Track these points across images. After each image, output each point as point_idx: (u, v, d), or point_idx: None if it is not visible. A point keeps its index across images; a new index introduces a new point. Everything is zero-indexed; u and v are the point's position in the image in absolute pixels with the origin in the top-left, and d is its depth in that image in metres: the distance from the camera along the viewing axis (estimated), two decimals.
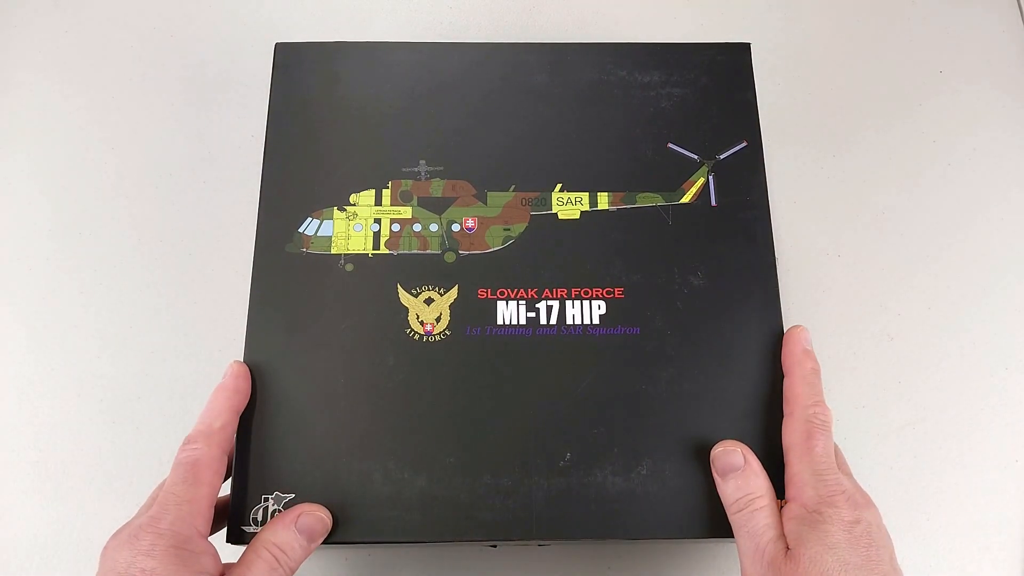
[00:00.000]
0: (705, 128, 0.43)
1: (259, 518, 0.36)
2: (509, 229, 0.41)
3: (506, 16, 0.59)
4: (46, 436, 0.47)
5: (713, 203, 0.42)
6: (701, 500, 0.37)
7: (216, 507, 0.35)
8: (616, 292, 0.40)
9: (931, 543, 0.46)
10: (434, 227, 0.41)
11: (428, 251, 0.41)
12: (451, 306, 0.40)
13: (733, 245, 0.41)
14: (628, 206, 0.42)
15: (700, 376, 0.39)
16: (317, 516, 0.35)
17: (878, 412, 0.48)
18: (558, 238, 0.41)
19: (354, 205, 0.41)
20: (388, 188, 0.42)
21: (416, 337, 0.39)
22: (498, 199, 0.42)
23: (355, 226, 0.41)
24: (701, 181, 0.42)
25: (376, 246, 0.41)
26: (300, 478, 0.37)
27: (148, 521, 0.32)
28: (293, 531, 0.35)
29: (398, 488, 0.37)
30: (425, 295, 0.40)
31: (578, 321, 0.39)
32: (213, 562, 0.33)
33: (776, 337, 0.39)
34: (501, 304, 0.40)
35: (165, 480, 0.34)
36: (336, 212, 0.41)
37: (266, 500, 0.36)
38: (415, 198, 0.42)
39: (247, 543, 0.35)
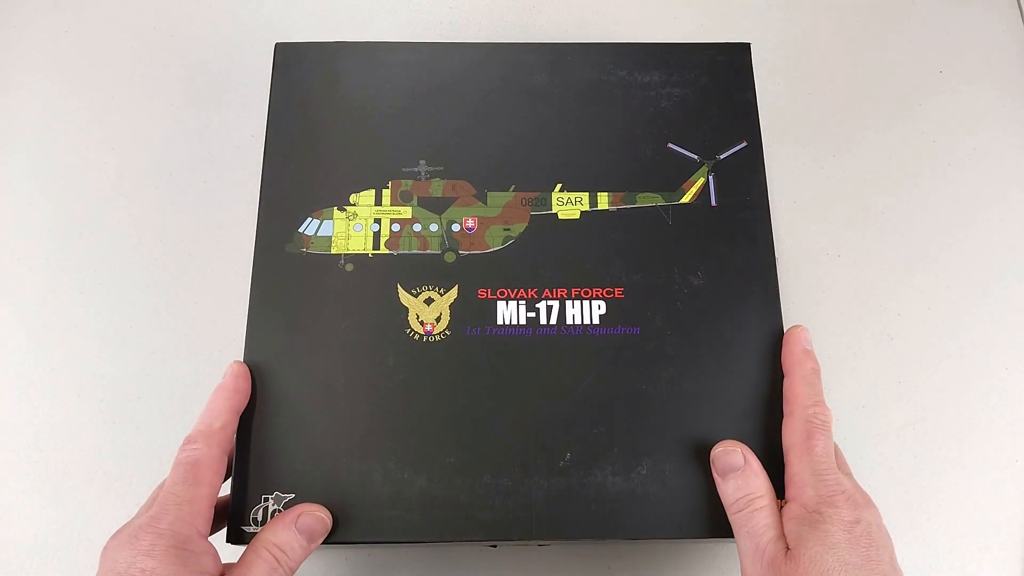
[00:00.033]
0: (705, 128, 0.43)
1: (259, 518, 0.36)
2: (509, 229, 0.41)
3: (506, 16, 0.59)
4: (46, 436, 0.47)
5: (713, 203, 0.42)
6: (701, 500, 0.37)
7: (216, 507, 0.35)
8: (616, 292, 0.40)
9: (931, 543, 0.46)
10: (434, 227, 0.41)
11: (428, 251, 0.41)
12: (451, 306, 0.40)
13: (733, 245, 0.41)
14: (628, 206, 0.42)
15: (700, 376, 0.39)
16: (317, 516, 0.35)
17: (878, 412, 0.48)
18: (558, 238, 0.41)
19: (354, 205, 0.41)
20: (388, 188, 0.42)
21: (416, 337, 0.39)
22: (498, 199, 0.42)
23: (355, 226, 0.41)
24: (701, 181, 0.42)
25: (376, 246, 0.41)
26: (300, 478, 0.37)
27: (148, 521, 0.32)
28: (293, 531, 0.35)
29: (398, 488, 0.37)
30: (425, 295, 0.40)
31: (578, 321, 0.39)
32: (213, 562, 0.33)
33: (776, 337, 0.39)
34: (501, 304, 0.40)
35: (165, 480, 0.34)
36: (336, 212, 0.41)
37: (266, 500, 0.36)
38: (415, 198, 0.42)
39: (247, 543, 0.35)
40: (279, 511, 0.36)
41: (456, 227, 0.41)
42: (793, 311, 0.48)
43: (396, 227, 0.41)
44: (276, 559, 0.34)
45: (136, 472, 0.46)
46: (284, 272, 0.40)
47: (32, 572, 0.45)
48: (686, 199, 0.42)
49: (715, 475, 0.36)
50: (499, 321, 0.39)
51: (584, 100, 0.44)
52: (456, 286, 0.40)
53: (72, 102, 0.56)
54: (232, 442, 0.37)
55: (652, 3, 0.59)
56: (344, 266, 0.40)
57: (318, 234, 0.41)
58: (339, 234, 0.41)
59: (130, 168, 0.54)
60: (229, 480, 0.37)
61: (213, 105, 0.55)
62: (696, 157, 0.42)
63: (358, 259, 0.40)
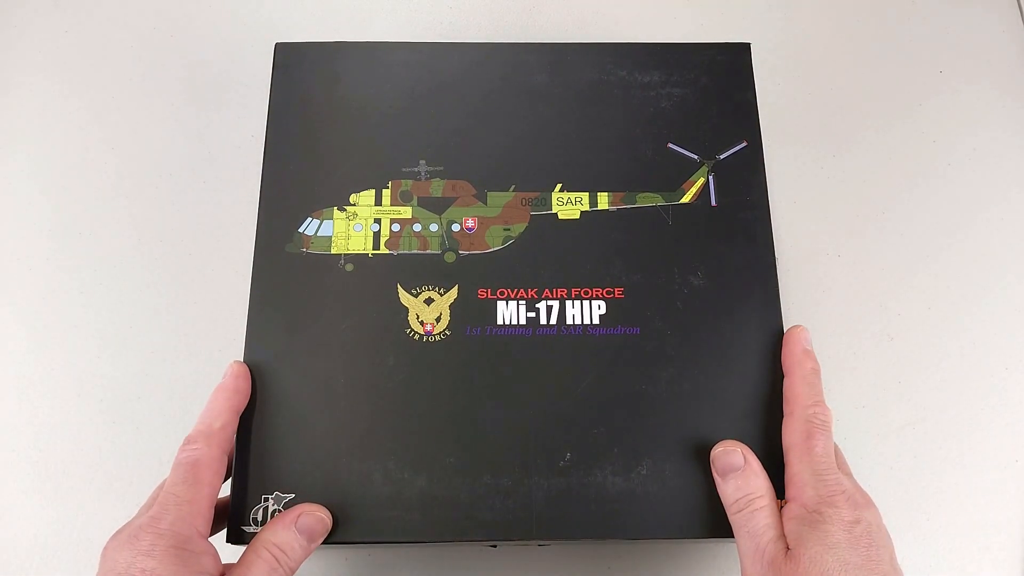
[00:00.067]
0: (705, 128, 0.43)
1: (259, 518, 0.36)
2: (509, 229, 0.41)
3: (506, 16, 0.59)
4: (46, 436, 0.47)
5: (713, 203, 0.42)
6: (701, 500, 0.37)
7: (216, 507, 0.35)
8: (616, 292, 0.40)
9: (931, 543, 0.46)
10: (434, 227, 0.41)
11: (428, 251, 0.41)
12: (451, 306, 0.40)
13: (733, 245, 0.41)
14: (628, 206, 0.42)
15: (700, 376, 0.39)
16: (317, 516, 0.35)
17: (878, 412, 0.48)
18: (558, 238, 0.41)
19: (354, 205, 0.41)
20: (388, 188, 0.42)
21: (416, 337, 0.39)
22: (498, 199, 0.42)
23: (355, 226, 0.41)
24: (701, 181, 0.42)
25: (376, 246, 0.41)
26: (300, 478, 0.37)
27: (148, 521, 0.32)
28: (293, 531, 0.35)
29: (398, 488, 0.37)
30: (425, 295, 0.40)
31: (578, 321, 0.39)
32: (213, 562, 0.33)
33: (776, 337, 0.39)
34: (501, 304, 0.40)
35: (165, 480, 0.34)
36: (336, 212, 0.41)
37: (266, 500, 0.36)
38: (415, 198, 0.42)
39: (247, 543, 0.35)
40: (279, 511, 0.36)
41: (456, 227, 0.41)
42: (793, 311, 0.48)
43: (396, 227, 0.41)
44: (276, 559, 0.34)
45: (136, 472, 0.46)
46: (284, 272, 0.40)
47: (32, 572, 0.45)
48: (686, 199, 0.42)
49: (715, 475, 0.36)
50: (499, 321, 0.39)
51: (584, 100, 0.44)
52: (456, 286, 0.40)
53: (72, 102, 0.56)
54: (232, 442, 0.37)
55: (652, 3, 0.59)
56: (344, 266, 0.40)
57: (318, 234, 0.41)
58: (339, 234, 0.41)
59: (130, 168, 0.54)
60: (229, 480, 0.37)
61: (213, 105, 0.55)
62: (696, 157, 0.42)
63: (358, 259, 0.40)
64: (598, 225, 0.41)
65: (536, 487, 0.37)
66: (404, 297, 0.40)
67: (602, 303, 0.40)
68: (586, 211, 0.41)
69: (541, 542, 0.39)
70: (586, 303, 0.40)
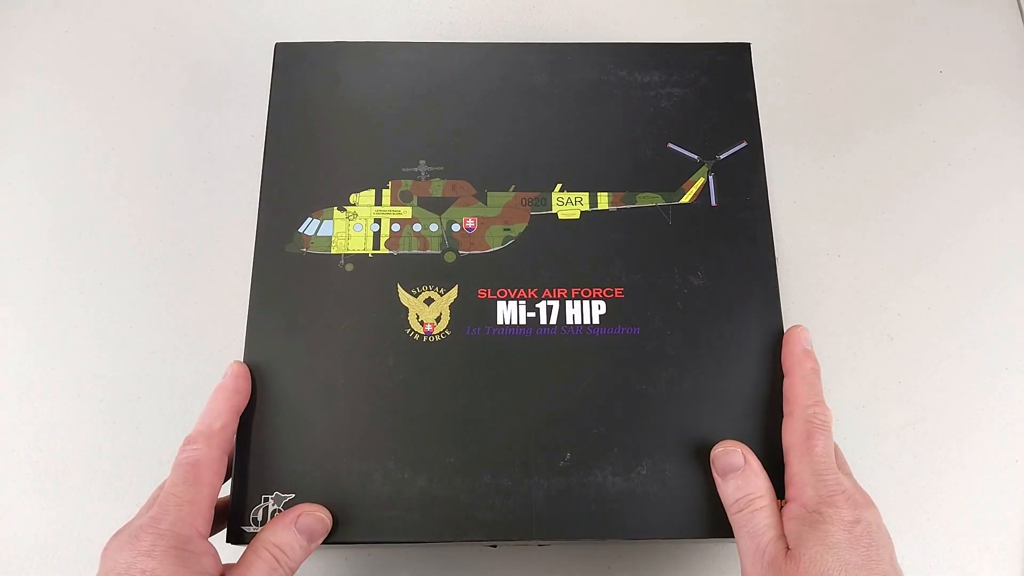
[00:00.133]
0: (705, 128, 0.43)
1: (259, 518, 0.36)
2: (509, 229, 0.41)
3: (506, 16, 0.59)
4: (46, 436, 0.47)
5: (713, 203, 0.42)
6: (701, 500, 0.37)
7: (216, 507, 0.35)
8: (616, 292, 0.40)
9: (931, 543, 0.46)
10: (434, 227, 0.41)
11: (428, 251, 0.41)
12: (451, 306, 0.40)
13: (733, 245, 0.41)
14: (628, 206, 0.42)
15: (700, 376, 0.39)
16: (317, 516, 0.35)
17: (878, 412, 0.48)
18: (558, 238, 0.41)
19: (354, 205, 0.41)
20: (388, 188, 0.42)
21: (416, 337, 0.39)
22: (498, 199, 0.42)
23: (355, 226, 0.41)
24: (701, 181, 0.42)
25: (376, 246, 0.41)
26: (300, 478, 0.37)
27: (148, 522, 0.32)
28: (293, 531, 0.35)
29: (398, 488, 0.37)
30: (425, 295, 0.40)
31: (578, 321, 0.39)
32: (213, 562, 0.33)
33: (776, 337, 0.39)
34: (501, 304, 0.40)
35: (165, 481, 0.34)
36: (336, 212, 0.41)
37: (266, 500, 0.36)
38: (415, 198, 0.42)
39: (247, 543, 0.35)
40: (279, 511, 0.36)
41: (456, 227, 0.41)
42: (793, 311, 0.48)
43: (396, 227, 0.41)
44: (276, 559, 0.34)
45: (136, 472, 0.46)
46: (284, 272, 0.40)
47: (32, 572, 0.45)
48: (686, 199, 0.42)
49: (715, 475, 0.36)
50: (499, 321, 0.39)
51: (584, 100, 0.44)
52: (456, 286, 0.40)
53: (72, 102, 0.56)
54: (232, 442, 0.37)
55: (652, 3, 0.59)
56: (344, 266, 0.40)
57: (318, 234, 0.41)
58: (339, 234, 0.41)
59: (130, 168, 0.54)
60: (229, 480, 0.37)
61: (213, 105, 0.55)
62: (696, 157, 0.42)
63: (358, 259, 0.40)
64: (598, 225, 0.41)
65: (536, 487, 0.37)
66: (404, 297, 0.40)
67: (602, 303, 0.40)
68: (586, 211, 0.41)
69: (541, 542, 0.39)
70: (586, 303, 0.40)
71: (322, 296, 0.40)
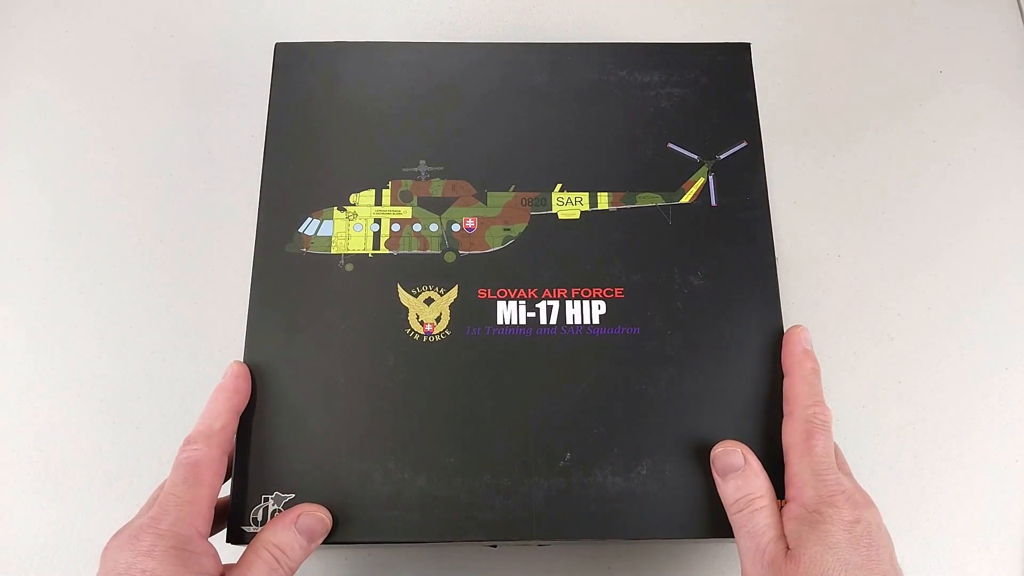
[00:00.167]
0: (705, 128, 0.43)
1: (259, 518, 0.36)
2: (509, 229, 0.41)
3: (506, 16, 0.59)
4: (46, 436, 0.47)
5: (713, 203, 0.42)
6: (701, 500, 0.37)
7: (216, 507, 0.35)
8: (616, 292, 0.40)
9: (931, 543, 0.46)
10: (434, 227, 0.41)
11: (428, 251, 0.41)
12: (451, 306, 0.40)
13: (733, 245, 0.41)
14: (628, 206, 0.42)
15: (700, 376, 0.39)
16: (317, 516, 0.35)
17: (878, 412, 0.48)
18: (558, 238, 0.41)
19: (354, 205, 0.41)
20: (388, 188, 0.42)
21: (416, 337, 0.39)
22: (498, 199, 0.42)
23: (355, 226, 0.41)
24: (701, 181, 0.42)
25: (376, 246, 0.41)
26: (300, 478, 0.37)
27: (149, 522, 0.32)
28: (293, 531, 0.35)
29: (398, 488, 0.37)
30: (425, 295, 0.40)
31: (578, 321, 0.39)
32: (213, 563, 0.33)
33: (776, 337, 0.39)
34: (501, 304, 0.40)
35: (165, 481, 0.34)
36: (336, 212, 0.41)
37: (266, 500, 0.36)
38: (415, 198, 0.42)
39: (247, 543, 0.35)
40: (279, 511, 0.36)
41: (456, 227, 0.41)
42: (793, 311, 0.48)
43: (396, 227, 0.41)
44: (276, 559, 0.34)
45: (136, 472, 0.46)
46: (284, 272, 0.40)
47: (32, 572, 0.45)
48: (686, 199, 0.42)
49: (715, 475, 0.36)
50: (499, 321, 0.39)
51: (584, 100, 0.44)
52: (456, 286, 0.40)
53: (72, 102, 0.56)
54: (232, 442, 0.37)
55: (652, 3, 0.59)
56: (344, 266, 0.40)
57: (318, 234, 0.41)
58: (339, 234, 0.41)
59: (130, 168, 0.54)
60: (229, 480, 0.37)
61: (213, 105, 0.55)
62: (696, 157, 0.42)
63: (358, 259, 0.40)
64: (598, 225, 0.41)
65: (536, 487, 0.37)
66: (404, 297, 0.40)
67: (602, 303, 0.40)
68: (586, 211, 0.41)
69: (541, 542, 0.39)
70: (586, 303, 0.40)
71: (322, 296, 0.40)
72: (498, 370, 0.39)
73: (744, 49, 0.45)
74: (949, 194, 0.53)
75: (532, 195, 0.42)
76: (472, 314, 0.39)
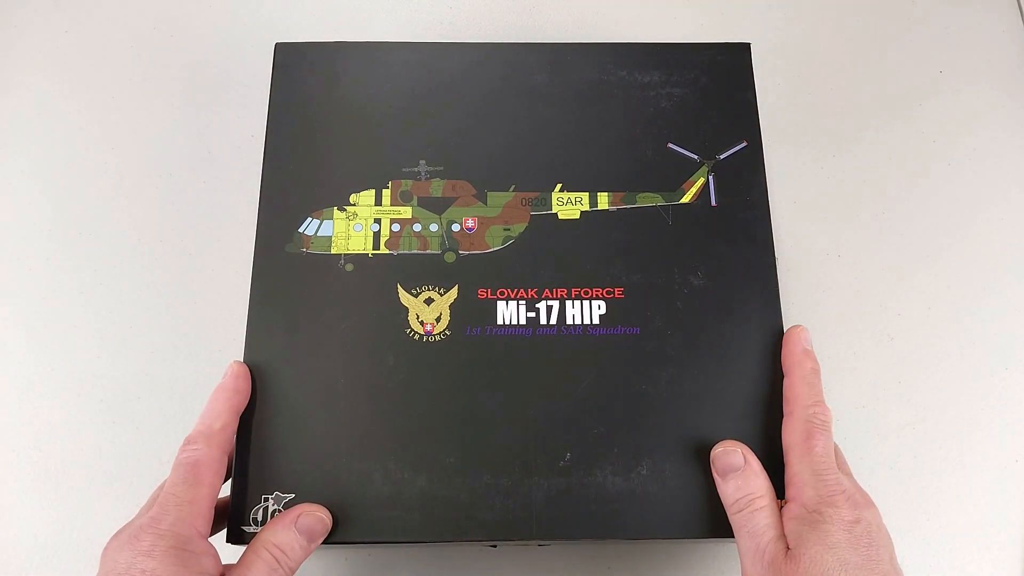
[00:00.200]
0: (705, 128, 0.43)
1: (259, 518, 0.36)
2: (509, 229, 0.41)
3: (506, 16, 0.59)
4: (46, 436, 0.47)
5: (713, 203, 0.42)
6: (701, 500, 0.37)
7: (216, 508, 0.35)
8: (616, 292, 0.40)
9: (931, 543, 0.46)
10: (434, 227, 0.41)
11: (428, 251, 0.41)
12: (451, 306, 0.40)
13: (733, 245, 0.41)
14: (628, 206, 0.42)
15: (700, 376, 0.39)
16: (317, 516, 0.35)
17: (878, 412, 0.48)
18: (558, 238, 0.41)
19: (354, 205, 0.41)
20: (388, 188, 0.42)
21: (416, 337, 0.39)
22: (498, 199, 0.42)
23: (355, 226, 0.41)
24: (701, 181, 0.42)
25: (376, 246, 0.41)
26: (300, 478, 0.37)
27: (149, 522, 0.32)
28: (293, 531, 0.35)
29: (398, 488, 0.37)
30: (425, 295, 0.40)
31: (578, 321, 0.39)
32: (213, 563, 0.33)
33: (776, 337, 0.39)
34: (501, 304, 0.40)
35: (165, 481, 0.34)
36: (336, 212, 0.41)
37: (266, 500, 0.36)
38: (415, 198, 0.42)
39: (247, 543, 0.35)
40: (279, 511, 0.36)
41: (456, 227, 0.41)
42: (793, 311, 0.48)
43: (396, 227, 0.41)
44: (276, 559, 0.34)
45: (136, 472, 0.46)
46: (284, 272, 0.40)
47: (32, 572, 0.45)
48: (686, 199, 0.42)
49: (715, 475, 0.36)
50: (499, 321, 0.39)
51: (584, 100, 0.44)
52: (456, 286, 0.40)
53: (72, 102, 0.56)
54: (232, 442, 0.37)
55: (652, 3, 0.59)
56: (344, 266, 0.40)
57: (318, 234, 0.41)
58: (339, 234, 0.41)
59: (130, 168, 0.54)
60: (229, 480, 0.37)
61: (213, 105, 0.55)
62: (696, 157, 0.42)
63: (358, 259, 0.40)
64: (598, 225, 0.41)
65: (536, 487, 0.37)
66: (404, 297, 0.40)
67: (602, 303, 0.40)
68: (586, 211, 0.41)
69: (541, 542, 0.39)
70: (586, 303, 0.40)
71: (322, 296, 0.40)
72: (498, 370, 0.39)
73: (744, 49, 0.45)
74: (949, 194, 0.53)
75: (532, 195, 0.42)
76: (472, 314, 0.39)
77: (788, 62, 0.57)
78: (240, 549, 0.35)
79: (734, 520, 0.35)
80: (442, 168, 0.42)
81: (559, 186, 0.42)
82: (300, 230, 0.41)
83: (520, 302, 0.40)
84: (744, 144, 0.43)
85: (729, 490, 0.36)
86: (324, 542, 0.36)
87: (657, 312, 0.40)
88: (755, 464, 0.36)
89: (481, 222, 0.41)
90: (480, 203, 0.42)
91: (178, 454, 0.35)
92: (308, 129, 0.43)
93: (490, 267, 0.40)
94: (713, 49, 0.45)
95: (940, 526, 0.46)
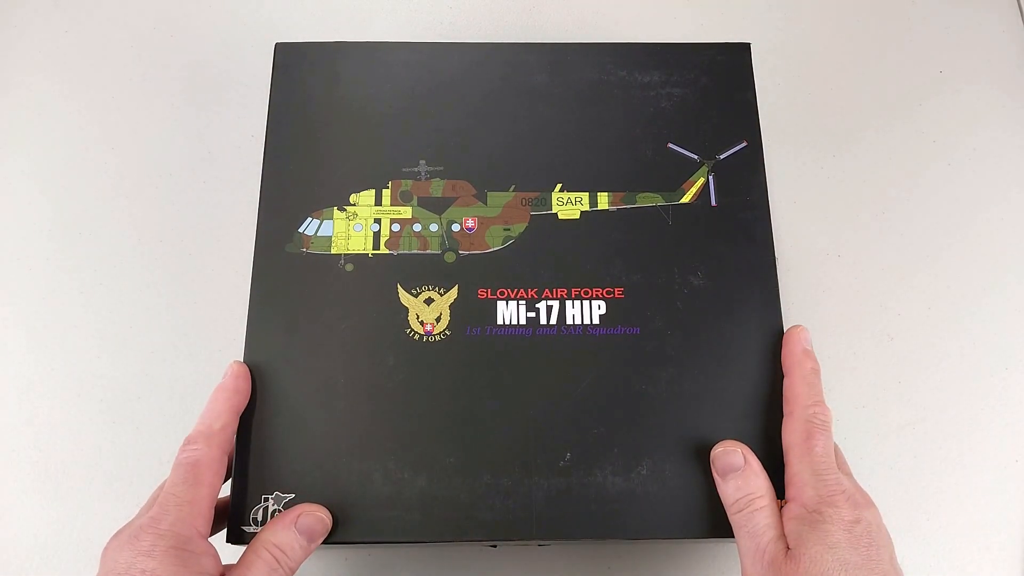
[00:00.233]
0: (705, 128, 0.43)
1: (259, 518, 0.36)
2: (509, 229, 0.41)
3: (506, 16, 0.59)
4: (46, 436, 0.47)
5: (713, 203, 0.42)
6: (701, 500, 0.37)
7: (216, 508, 0.35)
8: (616, 292, 0.40)
9: (931, 543, 0.46)
10: (434, 227, 0.41)
11: (428, 251, 0.41)
12: (451, 306, 0.40)
13: (733, 245, 0.41)
14: (628, 206, 0.42)
15: (700, 376, 0.39)
16: (317, 516, 0.35)
17: (878, 412, 0.48)
18: (558, 238, 0.41)
19: (354, 205, 0.41)
20: (388, 188, 0.42)
21: (416, 337, 0.39)
22: (498, 199, 0.42)
23: (355, 226, 0.41)
24: (701, 181, 0.42)
25: (376, 246, 0.41)
26: (300, 478, 0.37)
27: (149, 522, 0.32)
28: (293, 531, 0.35)
29: (398, 488, 0.37)
30: (425, 295, 0.40)
31: (578, 321, 0.39)
32: (213, 563, 0.33)
33: (776, 337, 0.39)
34: (501, 304, 0.40)
35: (165, 481, 0.34)
36: (336, 212, 0.41)
37: (266, 500, 0.36)
38: (415, 198, 0.42)
39: (247, 543, 0.35)
40: (279, 511, 0.36)
41: (456, 227, 0.41)
42: (793, 311, 0.48)
43: (396, 227, 0.41)
44: (276, 559, 0.34)
45: (136, 472, 0.46)
46: (284, 272, 0.40)
47: (32, 572, 0.45)
48: (686, 199, 0.42)
49: (715, 475, 0.36)
50: (499, 321, 0.39)
51: (584, 100, 0.44)
52: (456, 286, 0.40)
53: (72, 102, 0.56)
54: (232, 442, 0.37)
55: (652, 3, 0.59)
56: (344, 266, 0.40)
57: (318, 234, 0.41)
58: (339, 234, 0.41)
59: (130, 168, 0.54)
60: (229, 480, 0.37)
61: (213, 105, 0.55)
62: (696, 157, 0.42)
63: (358, 259, 0.40)
64: (598, 225, 0.41)
65: (536, 487, 0.37)
66: (404, 297, 0.40)
67: (602, 303, 0.40)
68: (586, 211, 0.41)
69: (541, 542, 0.39)
70: (586, 303, 0.40)
71: (322, 296, 0.40)
72: (498, 370, 0.39)
73: (744, 49, 0.45)
74: (949, 194, 0.53)
75: (532, 195, 0.42)
76: (472, 314, 0.39)
77: (788, 62, 0.57)
78: (240, 549, 0.35)
79: (734, 520, 0.35)
80: (442, 168, 0.42)
81: (559, 186, 0.42)
82: (300, 230, 0.41)
83: (520, 302, 0.40)
84: (744, 144, 0.43)
85: (729, 490, 0.36)
86: (324, 542, 0.36)
87: (657, 312, 0.40)
88: (755, 464, 0.36)
89: (481, 222, 0.41)
90: (480, 203, 0.42)
91: (178, 454, 0.35)
92: (308, 129, 0.43)
93: (490, 267, 0.40)
94: (713, 49, 0.45)
95: (940, 526, 0.46)
